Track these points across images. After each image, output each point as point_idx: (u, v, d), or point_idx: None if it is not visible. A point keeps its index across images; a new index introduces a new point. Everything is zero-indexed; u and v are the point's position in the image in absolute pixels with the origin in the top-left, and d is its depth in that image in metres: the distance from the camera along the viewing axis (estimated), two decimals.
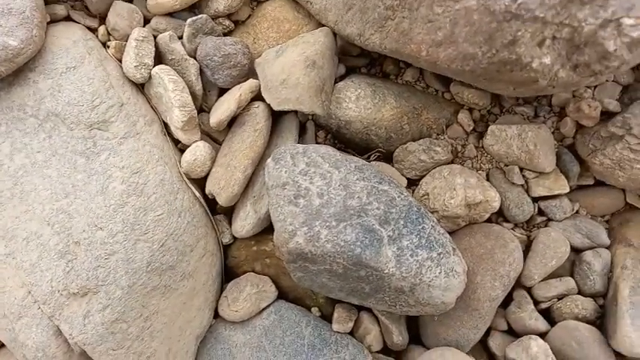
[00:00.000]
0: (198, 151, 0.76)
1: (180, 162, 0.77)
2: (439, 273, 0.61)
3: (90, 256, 0.67)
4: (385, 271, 0.60)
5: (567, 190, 0.72)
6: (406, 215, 0.63)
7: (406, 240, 0.61)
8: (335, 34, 0.80)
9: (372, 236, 0.61)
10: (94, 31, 0.86)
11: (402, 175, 0.78)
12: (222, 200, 0.73)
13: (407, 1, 0.63)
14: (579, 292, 0.74)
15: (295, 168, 0.66)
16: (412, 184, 0.79)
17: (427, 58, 0.63)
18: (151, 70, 0.79)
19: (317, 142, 0.82)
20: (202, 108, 0.84)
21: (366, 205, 0.62)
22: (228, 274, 0.81)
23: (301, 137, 0.81)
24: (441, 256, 0.62)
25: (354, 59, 0.84)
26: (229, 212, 0.80)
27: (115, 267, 0.67)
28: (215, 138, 0.83)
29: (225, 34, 0.87)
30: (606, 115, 0.70)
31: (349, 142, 0.81)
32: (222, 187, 0.74)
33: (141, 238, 0.69)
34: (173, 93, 0.76)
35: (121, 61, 0.82)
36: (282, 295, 0.79)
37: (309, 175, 0.65)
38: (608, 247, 0.75)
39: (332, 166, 0.66)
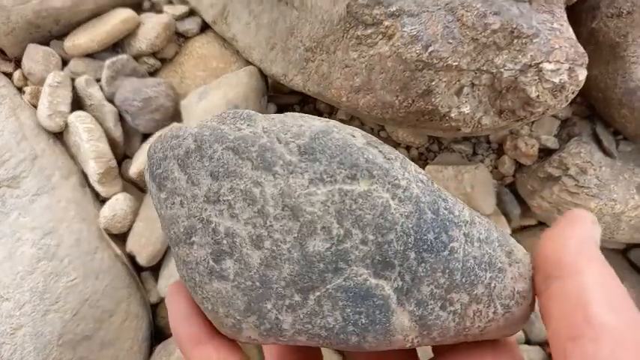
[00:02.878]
0: (117, 205, 0.71)
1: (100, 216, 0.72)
2: (494, 311, 0.34)
3: None
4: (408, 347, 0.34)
5: (508, 232, 0.68)
6: (417, 237, 0.31)
7: (427, 284, 0.32)
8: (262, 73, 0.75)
9: (371, 305, 0.32)
10: (9, 76, 0.80)
11: None
12: (143, 260, 0.68)
13: (324, 43, 0.59)
14: (527, 342, 0.70)
15: (196, 190, 0.32)
16: None
17: (348, 103, 0.59)
18: (67, 117, 0.74)
19: None
20: (126, 155, 0.78)
21: (341, 241, 0.31)
22: (159, 335, 0.75)
23: None
24: (494, 283, 0.34)
25: (285, 97, 0.79)
26: (157, 268, 0.74)
27: (22, 343, 0.61)
28: (142, 187, 0.78)
29: (150, 74, 0.82)
30: (545, 152, 0.66)
31: None
32: (142, 245, 0.68)
33: (51, 308, 0.63)
34: (88, 143, 0.71)
35: (37, 107, 0.76)
36: None
37: (225, 201, 0.32)
38: None
39: (258, 167, 0.32)
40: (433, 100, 0.50)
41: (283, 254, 0.31)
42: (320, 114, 0.78)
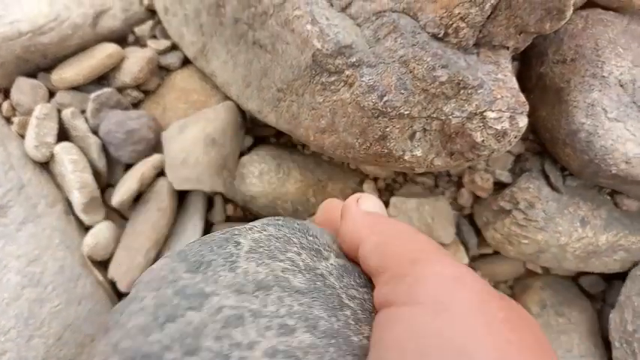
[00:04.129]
0: (100, 233, 0.75)
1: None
2: None
3: None
4: None
5: (466, 261, 0.73)
6: None
7: None
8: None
9: None
10: None
11: None
12: (124, 287, 0.72)
13: (293, 86, 0.63)
14: None
15: None
16: None
17: (315, 142, 0.63)
18: (53, 148, 0.78)
19: (226, 216, 0.81)
20: (109, 184, 0.82)
21: None
22: None
23: (209, 212, 0.80)
24: None
25: (262, 129, 0.84)
26: None
27: None
28: (124, 215, 0.81)
29: (134, 105, 0.86)
30: (500, 185, 0.71)
31: (258, 213, 0.80)
32: (123, 273, 0.72)
33: (35, 333, 0.67)
34: (73, 174, 0.75)
35: (24, 137, 0.80)
36: None
37: None
38: None
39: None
40: (388, 144, 0.55)
41: None
42: (294, 145, 0.82)
